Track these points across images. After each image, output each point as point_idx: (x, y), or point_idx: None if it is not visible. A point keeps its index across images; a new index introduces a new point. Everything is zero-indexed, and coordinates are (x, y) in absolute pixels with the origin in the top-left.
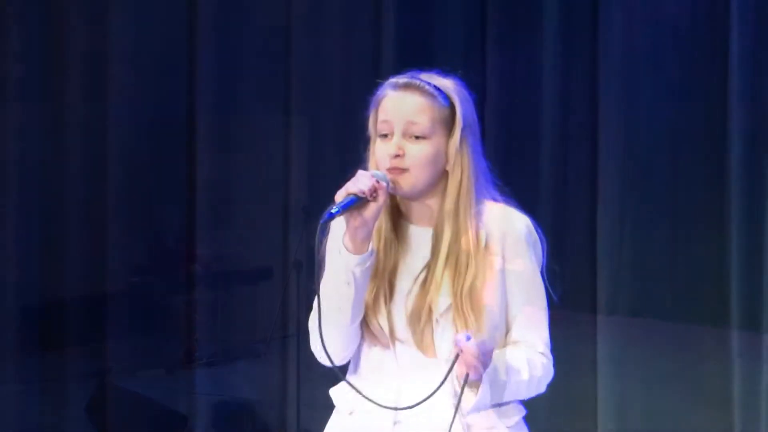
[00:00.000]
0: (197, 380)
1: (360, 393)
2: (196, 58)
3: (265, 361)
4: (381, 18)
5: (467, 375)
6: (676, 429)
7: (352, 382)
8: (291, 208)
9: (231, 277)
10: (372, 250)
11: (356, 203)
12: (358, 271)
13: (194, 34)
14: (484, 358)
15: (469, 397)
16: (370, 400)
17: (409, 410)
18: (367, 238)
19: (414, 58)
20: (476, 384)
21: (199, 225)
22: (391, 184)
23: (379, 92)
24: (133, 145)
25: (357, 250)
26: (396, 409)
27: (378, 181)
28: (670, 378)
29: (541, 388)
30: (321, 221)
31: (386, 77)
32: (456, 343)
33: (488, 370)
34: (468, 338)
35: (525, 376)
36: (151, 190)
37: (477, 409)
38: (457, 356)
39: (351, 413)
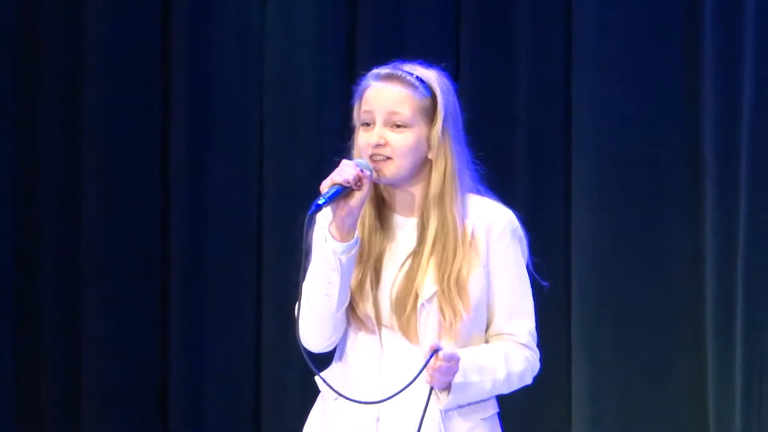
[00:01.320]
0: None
1: (331, 388)
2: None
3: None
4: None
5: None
6: (651, 415)
7: (337, 367)
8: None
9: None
10: (357, 238)
11: (342, 193)
12: (344, 258)
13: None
14: (446, 369)
15: (442, 399)
16: (343, 396)
17: (390, 405)
18: (353, 226)
19: (387, 50)
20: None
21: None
22: (374, 173)
23: (363, 83)
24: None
25: (343, 238)
26: (370, 403)
27: (362, 170)
28: (644, 364)
29: (526, 381)
30: (309, 213)
31: (360, 67)
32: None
33: (458, 374)
34: (438, 349)
35: (501, 374)
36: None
37: (448, 409)
38: (430, 356)
39: (336, 399)
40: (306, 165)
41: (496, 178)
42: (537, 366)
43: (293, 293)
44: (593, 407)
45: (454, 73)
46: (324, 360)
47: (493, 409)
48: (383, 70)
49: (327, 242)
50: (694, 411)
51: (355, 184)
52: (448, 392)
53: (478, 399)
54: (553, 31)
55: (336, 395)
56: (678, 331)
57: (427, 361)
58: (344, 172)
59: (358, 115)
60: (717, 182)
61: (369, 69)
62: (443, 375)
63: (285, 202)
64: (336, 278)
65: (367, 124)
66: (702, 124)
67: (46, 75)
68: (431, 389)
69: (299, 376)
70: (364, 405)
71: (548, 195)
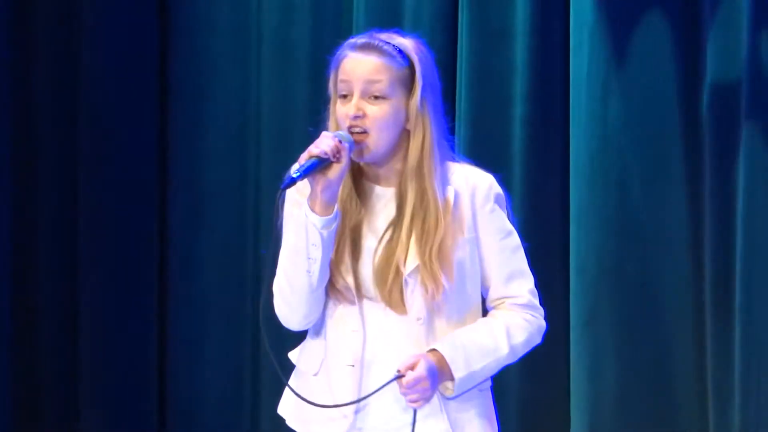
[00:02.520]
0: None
1: (301, 397)
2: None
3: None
4: None
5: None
6: (650, 393)
7: (315, 342)
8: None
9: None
10: (338, 212)
11: (319, 166)
12: (325, 232)
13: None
14: (419, 391)
15: (449, 390)
16: (310, 403)
17: (375, 368)
18: (333, 199)
19: (384, 20)
20: (450, 379)
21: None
22: (354, 151)
23: (339, 52)
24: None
25: (323, 212)
26: (332, 406)
27: (340, 141)
28: (643, 343)
29: (533, 343)
30: (282, 186)
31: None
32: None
33: (460, 366)
34: (400, 375)
35: (504, 350)
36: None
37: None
38: (391, 380)
39: (315, 374)
40: (303, 144)
41: (495, 155)
42: (543, 324)
43: None
44: (592, 386)
45: (452, 54)
46: (297, 338)
47: (487, 383)
48: (360, 39)
49: (308, 217)
50: (694, 389)
51: (333, 156)
52: (453, 384)
53: (486, 378)
54: (552, 4)
55: (317, 369)
56: (677, 310)
57: (387, 383)
58: (321, 143)
59: (335, 85)
60: (715, 175)
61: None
62: (421, 394)
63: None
64: (317, 253)
65: (344, 96)
66: (701, 99)
67: (42, 66)
68: (415, 412)
69: None
70: (347, 373)
71: (546, 174)
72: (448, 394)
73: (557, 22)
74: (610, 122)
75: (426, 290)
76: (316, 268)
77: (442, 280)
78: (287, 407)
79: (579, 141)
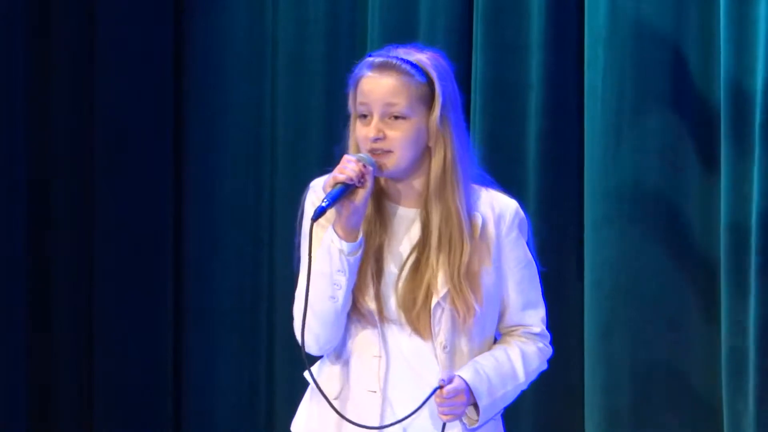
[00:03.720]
0: None
1: (335, 409)
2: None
3: None
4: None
5: (444, 424)
6: (664, 408)
7: (336, 365)
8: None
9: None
10: (362, 237)
11: (345, 192)
12: (351, 258)
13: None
14: (456, 404)
15: (472, 419)
16: (344, 418)
17: (397, 394)
18: (358, 224)
19: (401, 41)
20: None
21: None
22: (376, 167)
23: (357, 71)
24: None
25: (349, 238)
26: (380, 428)
27: (365, 166)
28: (658, 357)
29: (541, 369)
30: (313, 217)
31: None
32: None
33: (484, 395)
34: (444, 384)
35: (522, 377)
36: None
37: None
38: (434, 390)
39: (336, 398)
40: (318, 157)
41: (509, 169)
42: (549, 351)
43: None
44: (606, 399)
45: (466, 68)
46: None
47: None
48: (377, 58)
49: (333, 243)
50: (708, 404)
51: (359, 181)
52: (477, 411)
53: (504, 406)
54: (567, 18)
55: (337, 393)
56: (692, 324)
57: (430, 395)
58: (346, 169)
59: (354, 105)
60: (730, 170)
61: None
62: (456, 408)
63: (297, 195)
64: (343, 280)
65: (364, 116)
66: (718, 112)
67: (59, 67)
68: (444, 425)
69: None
70: (371, 401)
71: (561, 188)
72: (472, 424)
73: (572, 36)
74: (625, 137)
75: (457, 314)
76: (340, 294)
77: (474, 303)
78: (300, 425)
79: (594, 156)
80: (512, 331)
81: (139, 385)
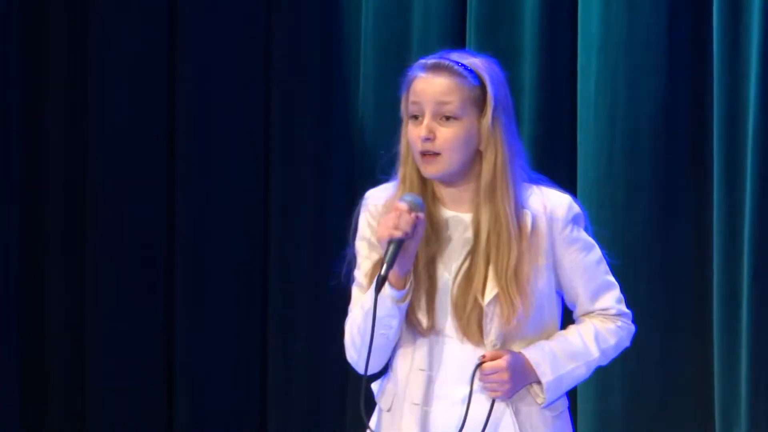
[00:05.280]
0: None
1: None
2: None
3: None
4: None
5: (493, 400)
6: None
7: (389, 377)
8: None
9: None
10: (412, 281)
11: (400, 247)
12: (402, 304)
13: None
14: (498, 380)
15: (540, 397)
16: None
17: (440, 406)
18: (409, 270)
19: (393, 54)
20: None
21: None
22: (421, 167)
23: (410, 73)
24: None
25: (400, 285)
26: None
27: (417, 216)
28: (650, 360)
29: (623, 346)
30: (376, 282)
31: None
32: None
33: (547, 371)
34: (484, 358)
35: (595, 354)
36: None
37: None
38: (474, 370)
39: (388, 410)
40: (312, 160)
41: None
42: (632, 329)
43: (299, 294)
44: (599, 404)
45: None
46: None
47: (563, 405)
48: (430, 60)
49: (385, 290)
50: (700, 407)
51: (413, 233)
52: (542, 390)
53: (577, 384)
54: (560, 25)
55: (389, 405)
56: (684, 328)
57: (472, 378)
58: (401, 224)
59: (406, 107)
60: (722, 177)
61: (376, 66)
62: (501, 385)
63: (291, 199)
64: (394, 323)
65: (416, 117)
66: (710, 118)
67: (53, 69)
68: (493, 400)
69: (305, 377)
70: (413, 414)
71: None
72: (539, 401)
73: (565, 42)
74: (618, 142)
75: (503, 317)
76: (392, 333)
77: (519, 304)
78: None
79: (587, 161)
80: (589, 314)
81: (132, 387)
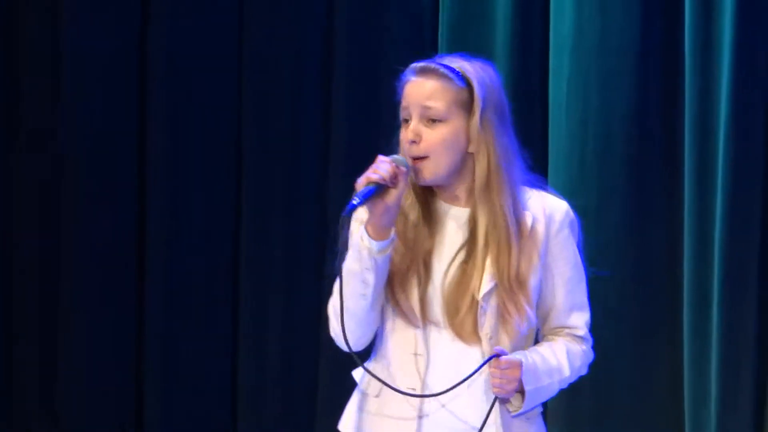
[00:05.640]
0: None
1: (381, 381)
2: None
3: None
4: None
5: (495, 398)
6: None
7: (379, 364)
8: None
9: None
10: (393, 236)
11: (377, 191)
12: (379, 257)
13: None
14: (509, 377)
15: (515, 406)
16: (392, 388)
17: (435, 402)
18: (390, 224)
19: (367, 53)
20: (520, 392)
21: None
22: (412, 173)
23: (402, 78)
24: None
25: (379, 237)
26: (421, 396)
27: (398, 166)
28: (620, 365)
29: (582, 372)
30: (343, 213)
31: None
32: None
33: (530, 380)
34: (501, 353)
35: (566, 372)
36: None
37: (522, 414)
38: (490, 358)
39: (377, 396)
40: (284, 161)
41: None
42: (591, 355)
43: (271, 295)
44: (569, 405)
45: None
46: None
47: (539, 410)
48: (419, 63)
49: (363, 241)
50: (670, 412)
51: (391, 182)
52: (522, 398)
53: (546, 399)
54: (532, 27)
55: (378, 391)
56: (654, 333)
57: (485, 362)
58: (379, 169)
59: (400, 111)
60: (694, 181)
61: (346, 68)
62: (509, 383)
63: (263, 200)
64: (371, 278)
65: (406, 121)
66: (680, 121)
67: (26, 70)
68: (495, 398)
69: (276, 379)
70: (408, 402)
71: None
72: (513, 410)
73: (537, 45)
74: (590, 146)
75: (505, 314)
76: (369, 292)
77: (524, 305)
78: (348, 424)
79: (558, 164)
80: (557, 332)
81: (103, 388)
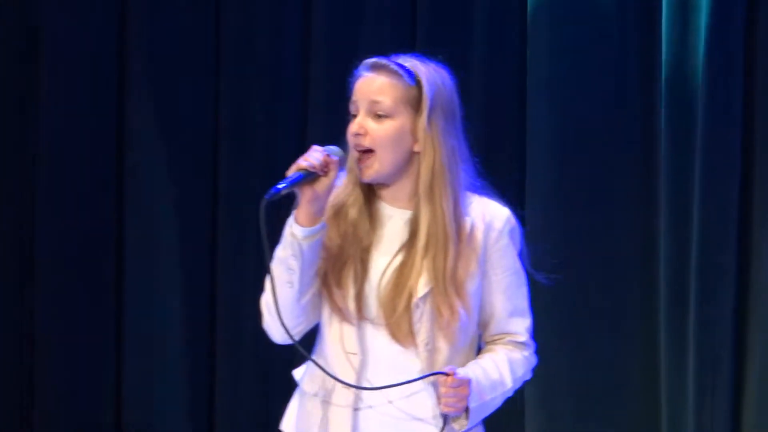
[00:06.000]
0: None
1: (324, 371)
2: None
3: None
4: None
5: (445, 415)
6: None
7: (319, 359)
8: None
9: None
10: (322, 224)
11: (305, 178)
12: (305, 244)
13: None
14: (459, 395)
15: (461, 424)
16: (334, 377)
17: (370, 399)
18: (320, 212)
19: (343, 46)
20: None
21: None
22: (357, 170)
23: (355, 73)
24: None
25: (307, 223)
26: (359, 388)
27: (329, 155)
28: (597, 365)
29: (526, 378)
30: (266, 196)
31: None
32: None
33: (474, 397)
34: (454, 372)
35: (509, 384)
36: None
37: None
38: (438, 372)
39: (315, 395)
40: (261, 161)
41: None
42: (534, 360)
43: (248, 293)
44: (545, 408)
45: None
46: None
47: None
48: (371, 60)
49: (289, 227)
50: (647, 411)
51: (322, 170)
52: (466, 416)
53: (488, 414)
54: (509, 32)
55: (316, 390)
56: (631, 332)
57: (431, 374)
58: (310, 157)
59: (350, 106)
60: (670, 185)
61: (324, 65)
62: (459, 401)
63: (240, 201)
64: (296, 264)
65: (354, 116)
66: (657, 126)
67: (3, 70)
68: (445, 417)
69: (254, 378)
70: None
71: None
72: (459, 427)
73: (514, 44)
74: (569, 145)
75: (439, 317)
76: (295, 279)
77: (458, 308)
78: (289, 424)
79: (536, 164)
80: (497, 339)
81: (80, 390)
